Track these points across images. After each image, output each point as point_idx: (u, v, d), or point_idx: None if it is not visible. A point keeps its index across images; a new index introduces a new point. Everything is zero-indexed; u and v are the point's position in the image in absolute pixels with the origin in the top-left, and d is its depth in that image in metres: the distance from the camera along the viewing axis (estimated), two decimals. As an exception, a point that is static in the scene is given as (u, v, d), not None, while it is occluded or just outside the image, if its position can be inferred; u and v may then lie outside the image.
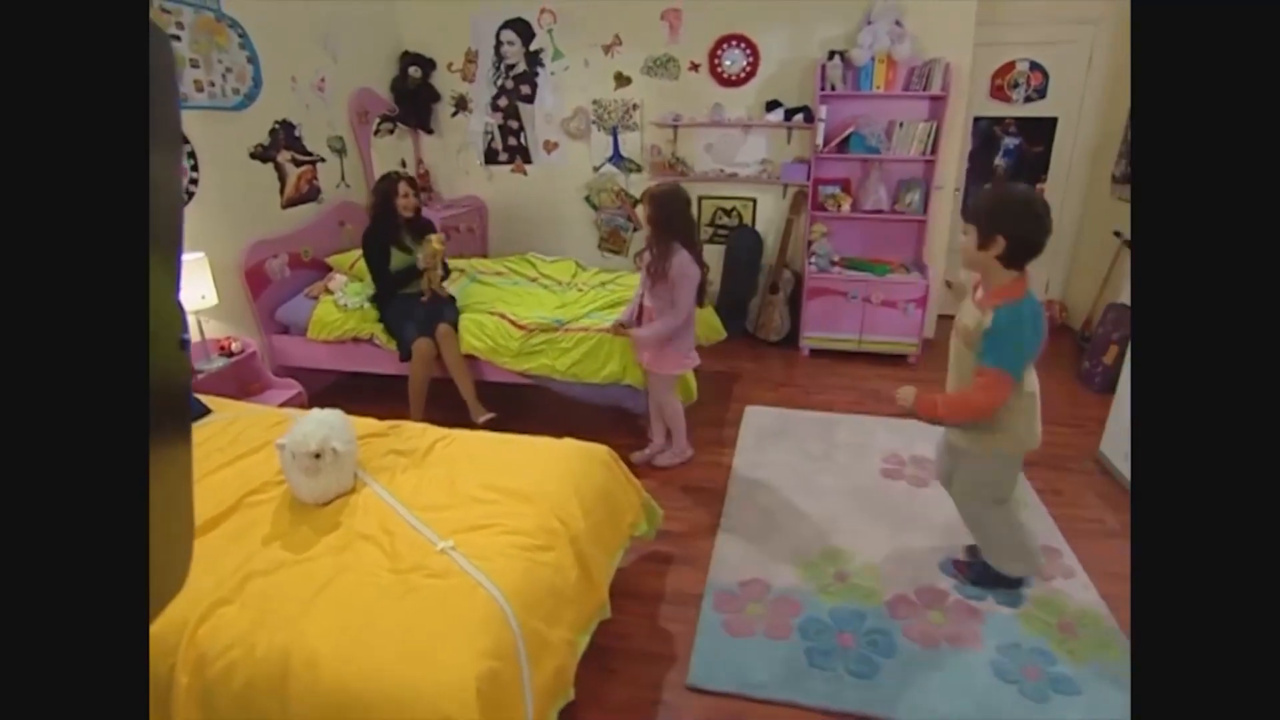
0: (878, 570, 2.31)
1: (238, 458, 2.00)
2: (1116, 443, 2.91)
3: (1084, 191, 4.60)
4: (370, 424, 2.19)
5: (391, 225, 3.20)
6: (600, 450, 2.08)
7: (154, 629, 0.93)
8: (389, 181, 3.15)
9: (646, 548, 2.40)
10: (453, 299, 3.35)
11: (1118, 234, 4.12)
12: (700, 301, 2.74)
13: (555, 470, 1.88)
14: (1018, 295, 1.80)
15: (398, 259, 3.20)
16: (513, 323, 3.10)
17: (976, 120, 4.58)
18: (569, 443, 2.07)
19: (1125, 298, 3.87)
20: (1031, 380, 1.94)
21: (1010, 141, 4.59)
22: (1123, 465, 2.85)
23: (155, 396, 0.65)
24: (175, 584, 0.79)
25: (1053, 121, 4.52)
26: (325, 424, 1.81)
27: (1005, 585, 2.18)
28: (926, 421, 1.97)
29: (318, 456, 1.74)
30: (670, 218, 2.56)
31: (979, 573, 2.19)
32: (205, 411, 2.36)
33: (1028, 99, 4.48)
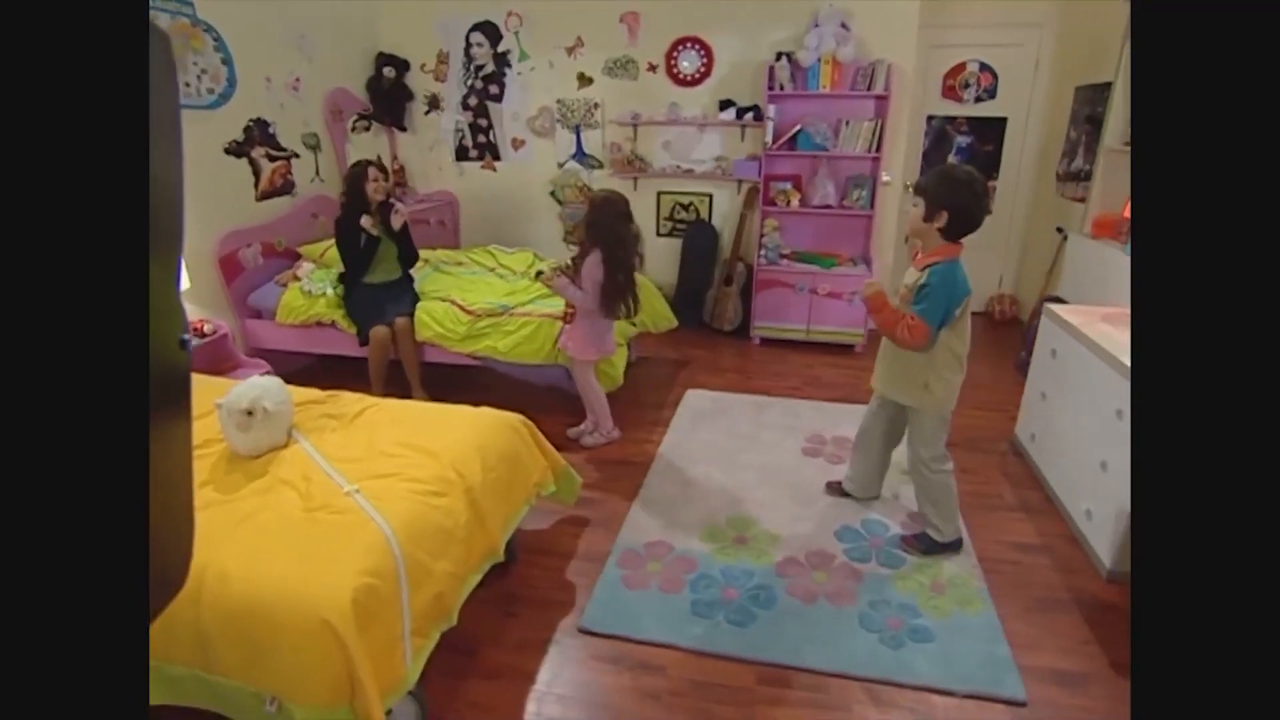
0: (777, 536, 2.51)
1: (188, 420, 2.23)
2: (1025, 425, 3.10)
3: (1033, 190, 4.76)
4: (311, 392, 2.42)
5: (363, 211, 3.37)
6: (512, 418, 2.29)
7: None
8: (359, 168, 3.35)
9: (566, 512, 2.63)
10: (415, 292, 3.56)
11: (1060, 230, 4.28)
12: (615, 312, 2.89)
13: (463, 432, 2.10)
14: (952, 255, 2.07)
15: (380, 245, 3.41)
16: (461, 308, 3.33)
17: (930, 119, 4.75)
18: (484, 411, 2.29)
19: (1061, 290, 4.03)
20: (958, 344, 2.15)
21: (962, 140, 4.76)
22: (1029, 446, 3.03)
23: (154, 394, 0.65)
24: (176, 582, 0.79)
25: (1002, 121, 4.68)
26: (259, 386, 2.04)
27: (949, 550, 2.38)
28: (869, 311, 2.27)
29: (250, 414, 1.98)
30: (598, 223, 2.79)
31: (927, 543, 2.37)
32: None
33: (978, 99, 4.65)
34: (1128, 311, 2.26)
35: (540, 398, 3.43)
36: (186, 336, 0.76)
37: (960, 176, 2.02)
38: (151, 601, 0.72)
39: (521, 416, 2.33)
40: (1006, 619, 2.11)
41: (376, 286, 3.45)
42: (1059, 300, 3.75)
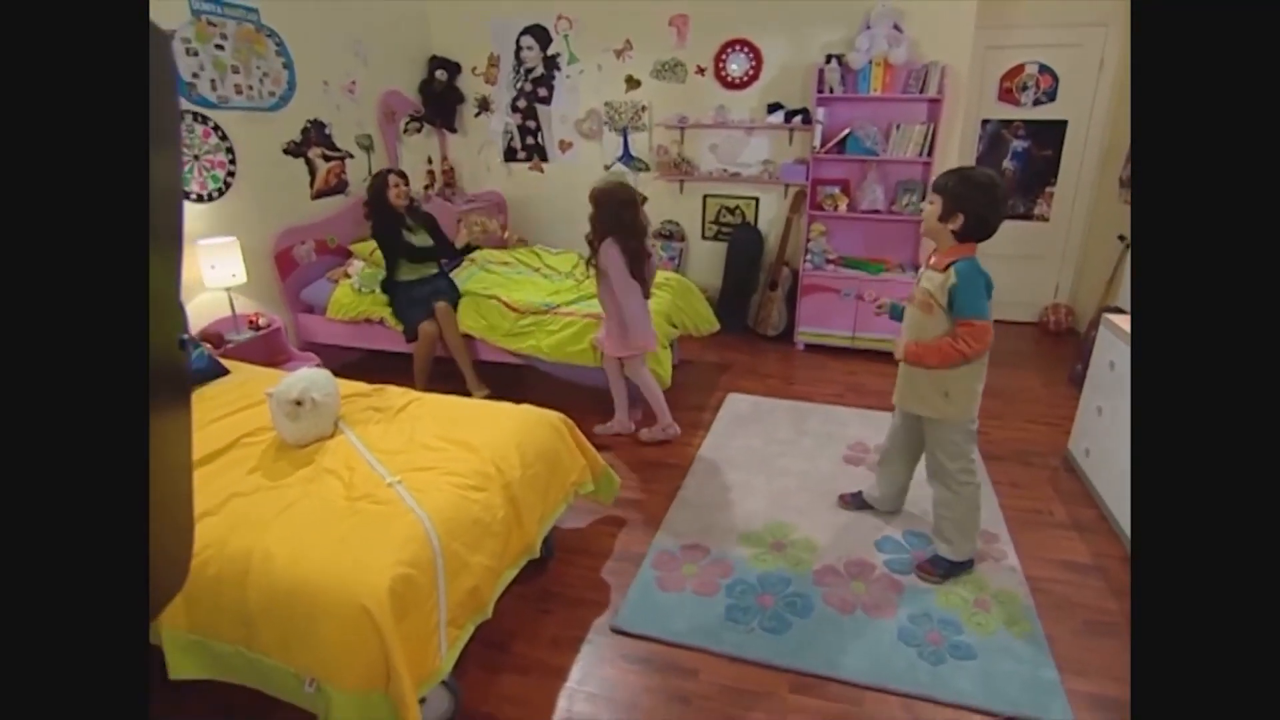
0: (815, 544, 2.47)
1: (241, 409, 2.31)
2: (1079, 440, 2.97)
3: (1093, 196, 4.57)
4: (358, 385, 2.49)
5: (393, 215, 3.49)
6: (553, 416, 2.31)
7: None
8: (379, 178, 3.45)
9: (604, 511, 2.63)
10: (453, 283, 3.64)
11: (1122, 238, 4.10)
12: (645, 290, 2.89)
13: (503, 428, 2.12)
14: (969, 254, 2.02)
15: (419, 238, 3.54)
16: (506, 305, 3.38)
17: (985, 123, 4.61)
18: (525, 408, 2.31)
19: (1121, 301, 3.86)
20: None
21: (1019, 144, 4.60)
22: (1083, 462, 2.90)
23: (153, 394, 0.65)
24: (176, 580, 0.79)
25: (1062, 125, 4.51)
26: (308, 378, 2.11)
27: (964, 570, 2.29)
28: (920, 362, 2.12)
29: (299, 404, 2.04)
30: (604, 217, 2.79)
31: (944, 567, 2.28)
32: (225, 372, 2.72)
33: (1037, 102, 4.49)
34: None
35: (583, 398, 3.45)
36: (186, 336, 0.80)
37: (981, 180, 1.95)
38: (152, 598, 0.72)
39: (562, 415, 2.35)
40: (1055, 641, 2.02)
41: (414, 283, 3.53)
42: (1119, 311, 3.59)
